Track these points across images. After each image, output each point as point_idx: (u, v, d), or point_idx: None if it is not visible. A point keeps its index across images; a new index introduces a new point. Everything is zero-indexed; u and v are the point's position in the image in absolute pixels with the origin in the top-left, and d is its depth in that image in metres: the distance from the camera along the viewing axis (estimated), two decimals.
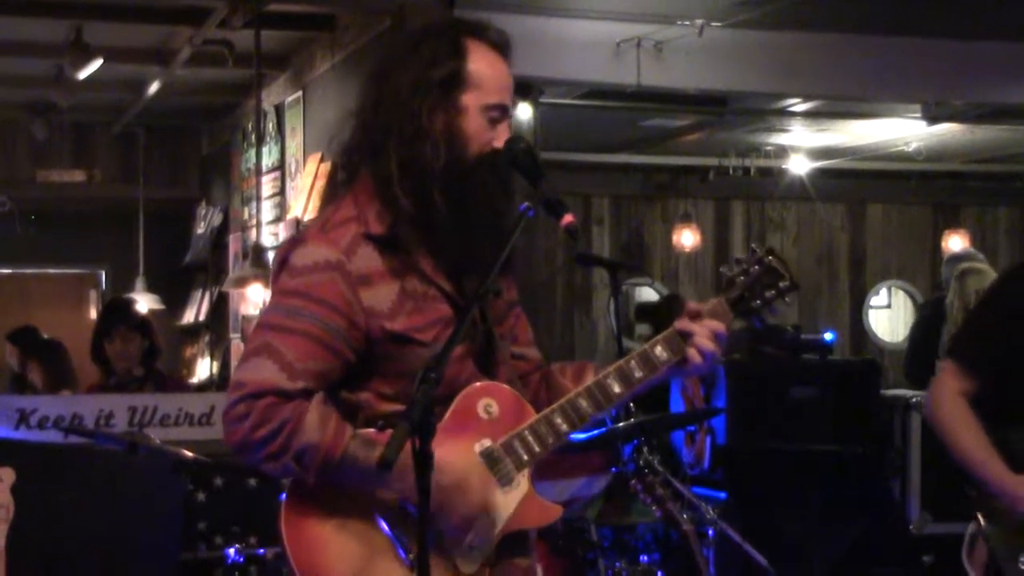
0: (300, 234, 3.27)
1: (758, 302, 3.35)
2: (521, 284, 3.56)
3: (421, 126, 3.16)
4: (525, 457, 3.20)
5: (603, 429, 3.99)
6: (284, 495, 3.11)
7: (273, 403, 3.00)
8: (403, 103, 3.20)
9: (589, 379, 3.33)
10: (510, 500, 3.20)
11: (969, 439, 4.01)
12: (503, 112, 3.25)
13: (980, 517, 4.01)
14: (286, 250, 3.19)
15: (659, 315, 8.57)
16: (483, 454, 3.18)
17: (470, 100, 3.20)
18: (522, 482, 3.22)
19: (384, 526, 3.11)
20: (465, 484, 3.10)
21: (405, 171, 3.15)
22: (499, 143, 3.22)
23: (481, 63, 3.24)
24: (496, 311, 3.33)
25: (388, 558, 3.10)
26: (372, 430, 3.10)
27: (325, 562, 3.09)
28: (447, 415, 3.15)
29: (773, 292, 3.36)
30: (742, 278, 3.35)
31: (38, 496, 4.24)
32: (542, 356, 3.52)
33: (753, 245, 3.44)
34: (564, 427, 3.22)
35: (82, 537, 4.99)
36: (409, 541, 3.06)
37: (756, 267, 3.36)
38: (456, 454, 3.10)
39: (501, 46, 3.30)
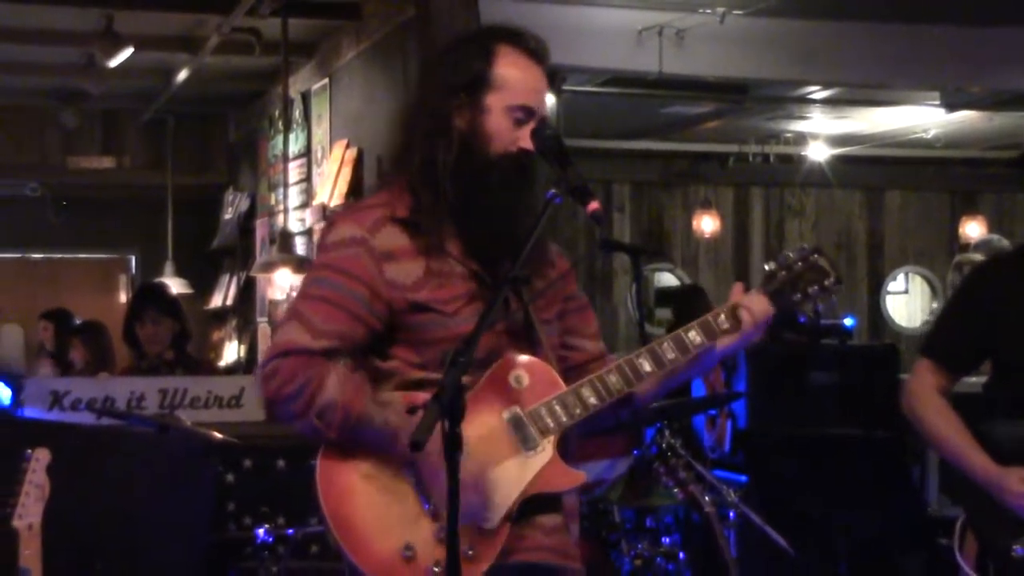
0: (333, 215, 3.42)
1: (798, 296, 3.38)
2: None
3: (444, 124, 3.31)
4: (551, 424, 3.27)
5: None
6: (319, 455, 3.24)
7: (299, 361, 3.17)
8: (432, 103, 3.36)
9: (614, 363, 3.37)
10: (533, 464, 3.26)
11: (951, 433, 4.02)
12: (528, 113, 3.33)
13: (968, 509, 4.02)
14: (324, 229, 3.41)
15: (680, 303, 8.56)
16: (509, 420, 3.25)
17: (494, 101, 3.31)
18: (547, 448, 3.27)
19: (409, 477, 3.21)
20: (476, 451, 3.14)
21: (423, 165, 3.31)
22: (525, 143, 3.32)
23: (508, 67, 3.34)
24: (543, 298, 3.41)
25: (412, 507, 3.20)
26: (398, 393, 3.22)
27: (354, 511, 3.21)
28: (481, 382, 3.25)
29: (817, 288, 3.38)
30: (783, 273, 3.39)
31: (72, 476, 4.25)
32: (603, 350, 3.57)
33: (804, 244, 3.48)
34: (592, 400, 3.28)
35: (115, 517, 5.01)
36: (431, 493, 3.17)
37: (800, 264, 3.39)
38: (476, 422, 3.16)
39: (535, 52, 3.39)
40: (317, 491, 3.21)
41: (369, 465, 3.23)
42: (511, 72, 3.34)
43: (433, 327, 3.24)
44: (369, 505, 3.22)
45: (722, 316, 3.30)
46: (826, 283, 3.38)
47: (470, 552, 3.17)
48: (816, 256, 3.39)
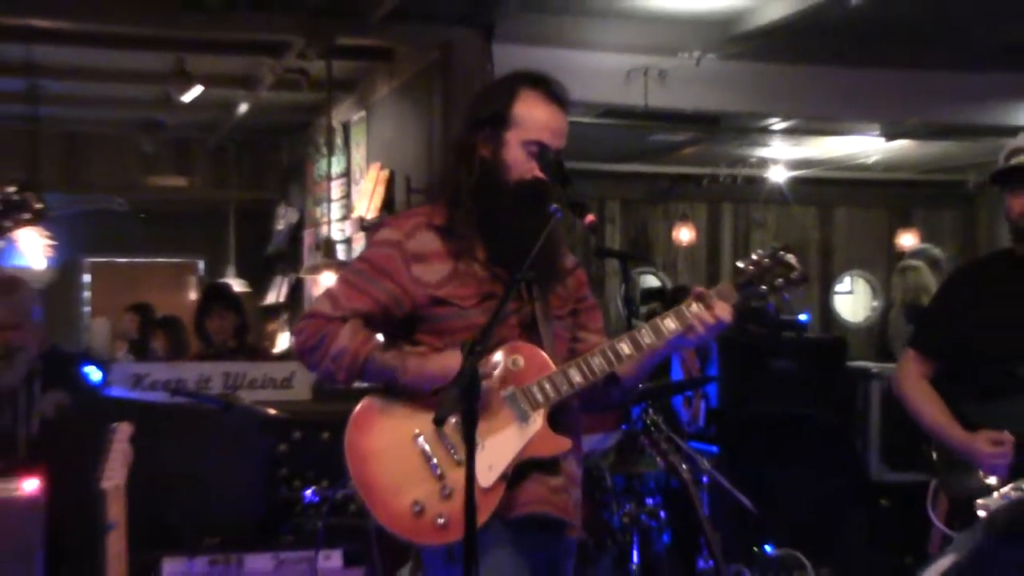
0: (384, 219, 3.52)
1: (764, 288, 3.36)
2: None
3: (469, 153, 3.39)
4: (541, 399, 3.28)
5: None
6: (347, 426, 3.32)
7: (319, 322, 3.31)
8: (463, 136, 3.44)
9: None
10: (526, 432, 3.27)
11: (933, 411, 4.03)
12: (542, 148, 3.37)
13: (941, 474, 4.01)
14: (376, 229, 3.60)
15: (669, 300, 8.53)
16: (507, 396, 3.27)
17: (512, 136, 3.37)
18: (537, 419, 3.28)
19: (421, 444, 3.24)
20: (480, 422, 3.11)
21: (452, 186, 3.40)
22: (539, 172, 3.37)
23: (527, 107, 3.39)
24: (556, 296, 3.46)
25: (420, 470, 3.24)
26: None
27: (372, 475, 3.26)
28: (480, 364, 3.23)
29: (783, 280, 3.35)
30: (752, 268, 3.37)
31: (151, 445, 4.24)
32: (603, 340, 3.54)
33: (773, 244, 3.47)
34: (577, 378, 3.29)
35: (186, 479, 5.02)
36: (437, 456, 3.23)
37: (768, 260, 3.37)
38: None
39: (554, 94, 3.43)
40: (345, 459, 3.28)
41: (385, 435, 3.30)
42: (529, 112, 3.38)
43: (452, 318, 3.30)
44: (384, 470, 3.26)
45: (694, 305, 3.28)
46: (792, 276, 3.36)
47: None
48: (783, 253, 3.37)
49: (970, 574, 3.60)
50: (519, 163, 3.35)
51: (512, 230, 3.28)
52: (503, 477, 3.23)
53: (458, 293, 3.30)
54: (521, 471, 3.26)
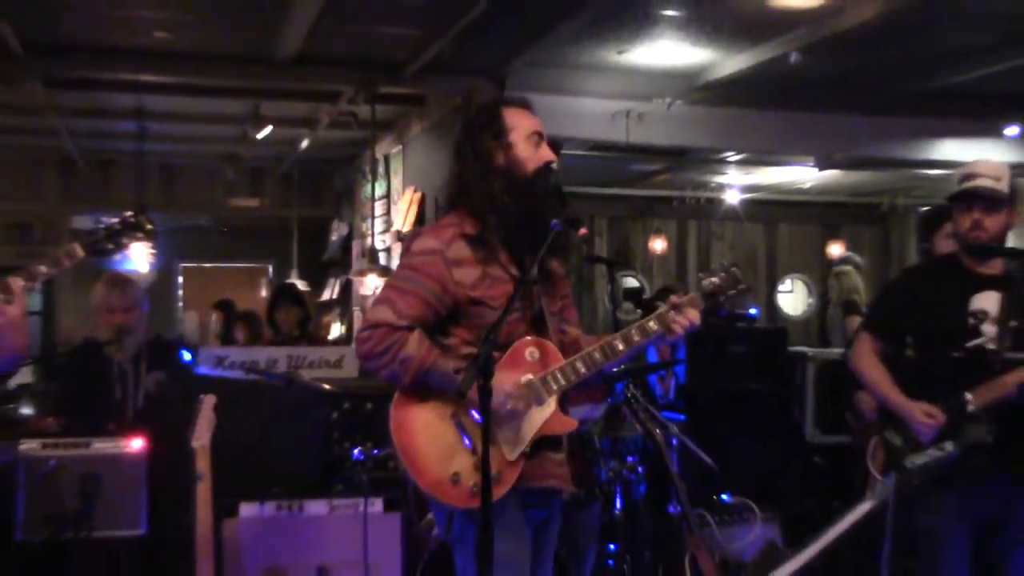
0: (419, 230, 3.45)
1: (723, 298, 3.38)
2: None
3: (487, 167, 3.32)
4: (554, 387, 3.26)
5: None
6: (392, 405, 3.27)
7: (386, 332, 3.19)
8: (473, 157, 3.35)
9: (597, 343, 3.37)
10: (542, 414, 3.25)
11: (882, 381, 4.05)
12: (540, 136, 3.37)
13: (882, 434, 4.02)
14: (410, 239, 3.41)
15: (646, 301, 8.54)
16: (526, 383, 3.24)
17: (515, 136, 3.34)
18: (551, 403, 3.27)
19: (455, 424, 3.21)
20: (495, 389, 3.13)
21: (487, 197, 3.31)
22: (548, 156, 3.37)
23: (512, 115, 3.38)
24: (551, 296, 3.43)
25: (456, 444, 3.21)
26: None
27: (415, 448, 3.22)
28: (505, 356, 3.25)
29: (734, 292, 3.39)
30: (715, 281, 3.38)
31: (230, 413, 4.25)
32: (580, 332, 3.56)
33: (723, 261, 3.51)
34: (582, 369, 3.28)
35: (258, 440, 5.03)
36: (470, 435, 3.18)
37: (723, 275, 3.39)
38: (506, 382, 3.18)
39: (525, 104, 3.43)
40: (391, 433, 3.23)
41: (426, 415, 3.24)
42: (515, 117, 3.36)
43: (484, 316, 3.24)
44: (426, 443, 3.22)
45: (671, 313, 3.29)
46: (739, 287, 3.39)
47: (498, 475, 3.18)
48: (734, 269, 3.40)
49: (885, 516, 3.61)
50: (531, 155, 3.33)
51: (528, 239, 3.24)
52: (524, 452, 3.22)
53: (489, 294, 3.26)
54: (535, 447, 3.25)
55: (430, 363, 3.17)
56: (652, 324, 3.30)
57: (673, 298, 3.34)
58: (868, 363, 4.12)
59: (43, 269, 3.16)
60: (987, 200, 3.89)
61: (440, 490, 3.19)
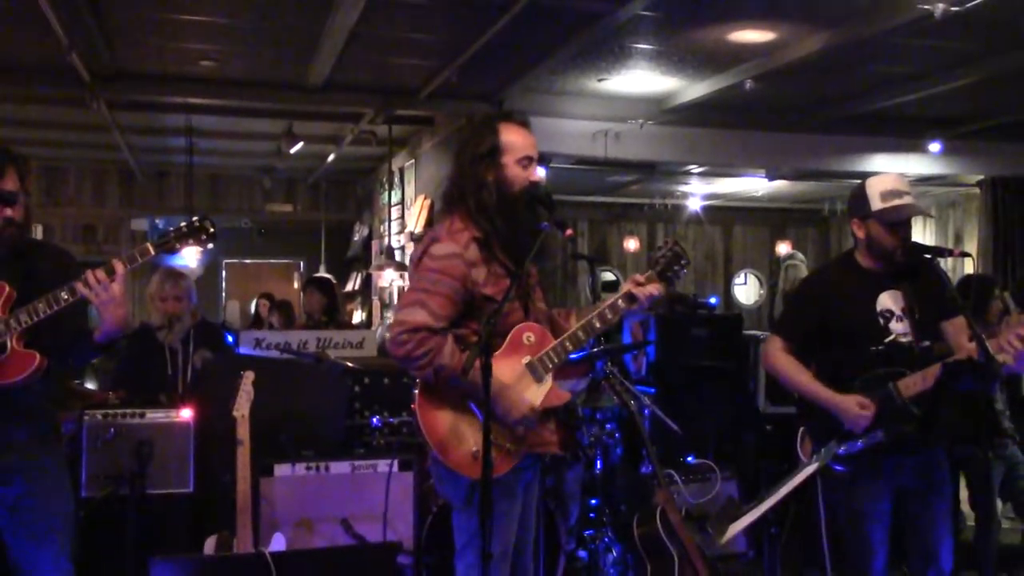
0: (435, 235, 3.26)
1: (670, 273, 3.34)
2: (540, 271, 3.57)
3: (480, 181, 3.22)
4: (550, 365, 3.23)
5: (587, 352, 3.94)
6: (416, 389, 3.19)
7: (425, 336, 3.07)
8: (468, 169, 3.26)
9: (574, 320, 3.37)
10: (542, 390, 3.22)
11: (804, 378, 3.77)
12: (530, 160, 3.29)
13: (807, 423, 3.83)
14: (427, 245, 3.25)
15: (617, 290, 8.56)
16: (527, 364, 3.21)
17: (507, 159, 3.25)
18: (548, 379, 3.24)
19: (470, 405, 3.14)
20: (501, 387, 3.11)
21: (478, 208, 3.22)
22: (533, 178, 3.28)
23: (509, 134, 3.27)
24: (532, 282, 3.38)
25: (474, 425, 3.12)
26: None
27: (440, 429, 3.14)
28: (506, 342, 3.20)
29: (679, 267, 3.35)
30: (663, 259, 3.34)
31: (266, 387, 4.21)
32: (547, 308, 3.51)
33: (667, 237, 3.46)
34: (570, 347, 3.25)
35: (291, 411, 4.99)
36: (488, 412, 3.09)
37: (670, 252, 3.35)
38: (507, 367, 3.14)
39: (523, 122, 3.33)
40: (417, 418, 3.15)
41: (447, 402, 3.16)
42: (512, 137, 3.26)
43: (491, 309, 3.13)
44: (449, 425, 3.15)
45: (620, 300, 3.27)
46: (683, 262, 3.35)
47: (510, 448, 3.16)
48: (676, 246, 3.37)
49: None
50: (518, 177, 3.25)
51: (519, 240, 3.18)
52: (532, 427, 3.19)
53: (495, 291, 3.18)
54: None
55: (459, 372, 3.03)
56: (620, 303, 3.28)
57: (635, 276, 3.33)
58: (785, 361, 3.83)
59: (123, 264, 3.14)
60: (909, 222, 3.70)
61: (463, 466, 3.12)
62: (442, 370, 3.07)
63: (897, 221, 3.67)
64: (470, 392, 3.08)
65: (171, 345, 5.28)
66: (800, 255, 10.75)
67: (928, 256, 3.67)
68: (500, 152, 3.23)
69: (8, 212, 3.22)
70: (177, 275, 5.48)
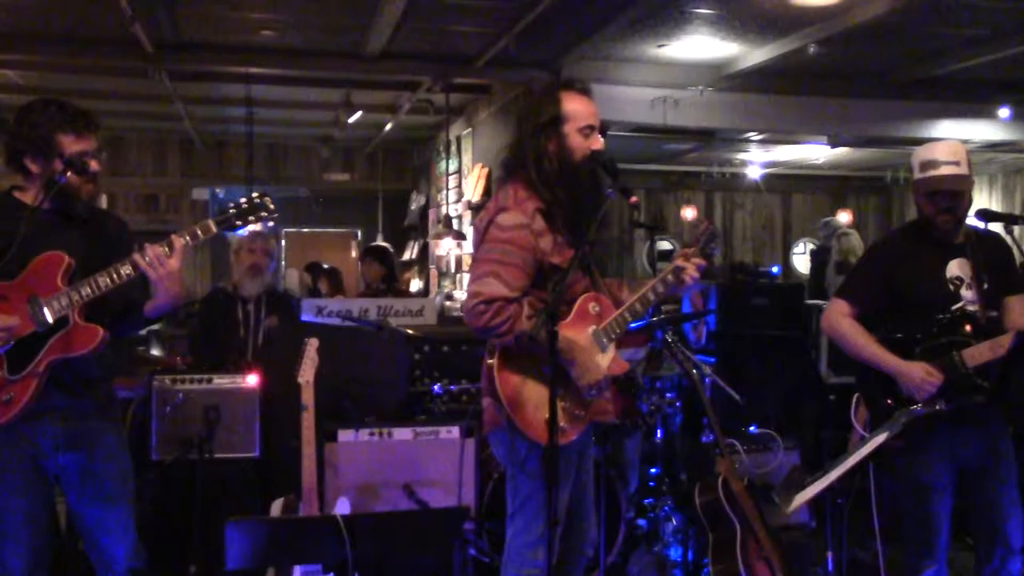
0: (502, 205, 3.24)
1: (707, 248, 3.36)
2: (599, 240, 3.57)
3: (542, 150, 3.20)
4: (612, 335, 3.25)
5: (647, 321, 3.93)
6: (490, 357, 3.19)
7: (501, 305, 3.08)
8: (530, 139, 3.24)
9: (626, 291, 3.40)
10: (606, 359, 3.24)
11: (868, 343, 3.71)
12: (592, 129, 3.26)
13: (864, 391, 3.76)
14: (493, 214, 3.24)
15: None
16: (592, 334, 3.23)
17: (569, 128, 3.22)
18: (611, 349, 3.26)
19: (546, 372, 3.10)
20: (577, 349, 3.14)
21: (539, 178, 3.21)
22: (595, 146, 3.26)
23: (571, 103, 3.25)
24: (595, 253, 3.37)
25: (544, 388, 3.09)
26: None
27: (517, 396, 3.14)
28: (572, 312, 3.21)
29: (713, 245, 3.38)
30: (703, 236, 3.37)
31: (330, 354, 4.25)
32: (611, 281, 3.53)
33: (697, 223, 3.49)
34: (630, 318, 3.27)
35: (354, 377, 5.03)
36: (561, 384, 3.10)
37: (706, 234, 3.38)
38: (576, 334, 3.17)
39: (584, 90, 3.31)
40: (496, 386, 3.15)
41: (523, 371, 3.17)
42: (573, 106, 3.24)
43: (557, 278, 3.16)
44: (525, 395, 3.15)
45: (670, 276, 3.27)
46: (715, 237, 3.39)
47: (579, 414, 3.18)
48: (704, 225, 3.41)
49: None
50: (580, 146, 3.22)
51: (581, 209, 3.17)
52: (598, 394, 3.21)
53: (562, 259, 3.18)
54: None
55: (535, 335, 3.02)
56: (670, 277, 3.28)
57: (682, 251, 3.35)
58: (848, 325, 3.77)
59: (183, 240, 3.17)
60: (951, 191, 3.63)
61: (538, 433, 3.12)
62: (521, 336, 3.08)
63: (932, 191, 3.65)
64: (539, 352, 3.09)
65: (244, 306, 5.39)
66: (850, 226, 10.64)
67: (1000, 223, 3.62)
68: (562, 121, 3.20)
69: (95, 165, 3.25)
70: (264, 234, 5.64)
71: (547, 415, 3.05)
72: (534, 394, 3.15)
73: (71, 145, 3.20)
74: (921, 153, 3.72)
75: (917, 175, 3.70)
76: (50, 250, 3.17)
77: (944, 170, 3.63)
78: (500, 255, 3.14)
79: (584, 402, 3.19)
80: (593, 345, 3.20)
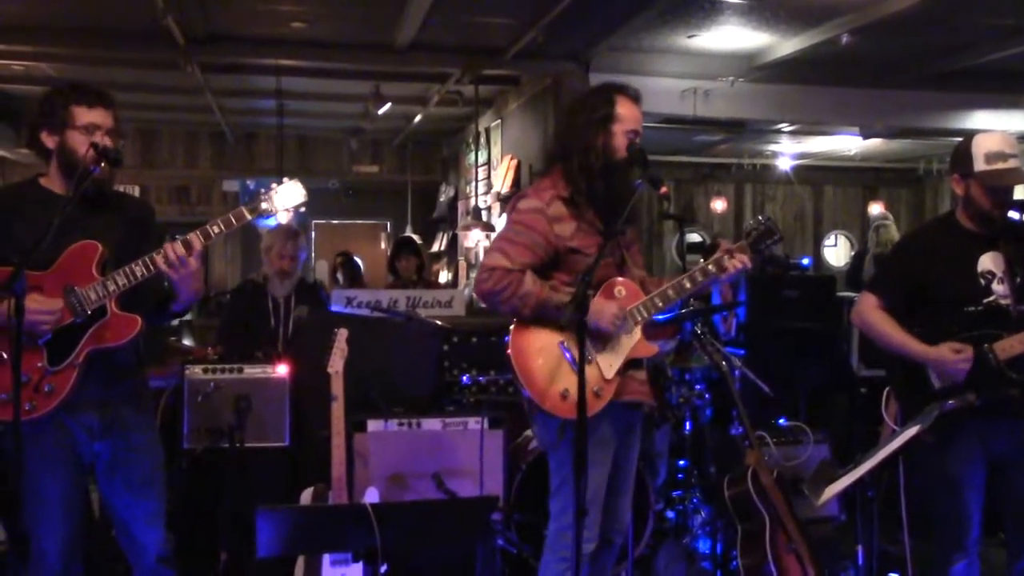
0: (523, 192, 3.46)
1: (763, 246, 3.43)
2: (632, 232, 3.65)
3: (588, 144, 3.35)
4: (639, 318, 3.35)
5: (676, 311, 3.92)
6: (507, 337, 3.33)
7: (502, 273, 3.26)
8: (579, 131, 3.39)
9: (667, 283, 3.43)
10: (631, 341, 3.34)
11: (894, 332, 3.67)
12: (636, 134, 3.41)
13: (894, 384, 3.75)
14: (516, 200, 3.45)
15: (704, 250, 8.42)
16: (619, 310, 3.31)
17: (617, 128, 3.38)
18: (637, 331, 3.36)
19: (563, 349, 3.28)
20: (594, 306, 3.24)
21: (581, 168, 3.36)
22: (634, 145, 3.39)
23: (623, 107, 3.40)
24: (627, 242, 3.48)
25: (564, 365, 3.27)
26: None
27: (532, 369, 3.28)
28: (599, 294, 3.32)
29: (771, 241, 3.43)
30: (755, 232, 3.43)
31: (359, 344, 4.26)
32: (645, 273, 3.61)
33: (760, 216, 3.52)
34: (660, 304, 3.36)
35: (382, 368, 5.05)
36: (573, 354, 3.24)
37: (762, 226, 3.43)
38: (612, 306, 3.28)
39: (635, 97, 3.46)
40: (510, 357, 3.29)
41: (539, 342, 3.30)
42: (625, 110, 3.38)
43: (579, 262, 3.31)
44: (540, 366, 3.28)
45: (725, 257, 3.34)
46: (775, 237, 3.43)
47: (598, 391, 3.24)
48: (770, 221, 3.45)
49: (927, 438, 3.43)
50: (622, 147, 3.36)
51: (614, 198, 3.28)
52: (618, 371, 3.30)
53: (583, 244, 3.32)
54: (624, 368, 3.31)
55: (545, 296, 3.24)
56: (711, 267, 3.36)
57: (725, 243, 3.41)
58: (879, 317, 3.72)
59: (215, 229, 3.20)
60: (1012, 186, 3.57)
61: (553, 405, 3.24)
62: (527, 296, 3.24)
63: (998, 186, 3.56)
64: (555, 317, 3.23)
65: (275, 298, 5.48)
66: (888, 216, 10.50)
67: None
68: (613, 120, 3.35)
69: (109, 142, 3.24)
70: (295, 234, 5.76)
71: (562, 389, 3.21)
72: (549, 368, 3.26)
73: (83, 116, 3.23)
74: (984, 143, 3.59)
75: (981, 167, 3.56)
76: (82, 239, 3.20)
77: (1012, 163, 3.55)
78: (511, 235, 3.34)
79: (602, 379, 3.27)
80: (622, 316, 3.29)
